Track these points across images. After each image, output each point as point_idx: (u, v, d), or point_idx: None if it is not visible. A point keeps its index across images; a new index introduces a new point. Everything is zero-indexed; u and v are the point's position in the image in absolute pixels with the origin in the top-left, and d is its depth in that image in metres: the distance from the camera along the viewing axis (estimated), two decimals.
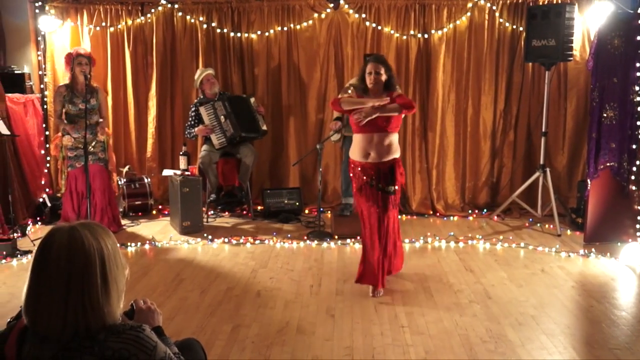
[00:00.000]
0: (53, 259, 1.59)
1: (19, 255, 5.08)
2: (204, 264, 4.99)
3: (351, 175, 4.34)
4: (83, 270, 1.59)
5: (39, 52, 6.68)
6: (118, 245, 1.74)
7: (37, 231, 5.92)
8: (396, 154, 4.24)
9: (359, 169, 4.22)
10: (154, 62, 6.72)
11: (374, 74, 4.17)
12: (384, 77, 4.19)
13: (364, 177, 4.19)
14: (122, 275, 1.69)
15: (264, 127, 6.41)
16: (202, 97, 6.40)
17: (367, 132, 4.15)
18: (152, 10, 6.66)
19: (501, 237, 5.71)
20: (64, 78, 6.31)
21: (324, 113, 6.74)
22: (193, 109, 6.34)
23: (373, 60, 4.25)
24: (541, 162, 6.12)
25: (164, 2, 6.61)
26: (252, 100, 6.39)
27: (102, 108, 5.78)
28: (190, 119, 6.36)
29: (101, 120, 5.78)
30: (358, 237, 5.64)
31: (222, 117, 6.18)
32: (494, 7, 6.47)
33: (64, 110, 5.65)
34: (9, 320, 1.78)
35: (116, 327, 1.61)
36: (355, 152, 4.25)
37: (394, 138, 4.22)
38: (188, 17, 6.67)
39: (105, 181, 5.78)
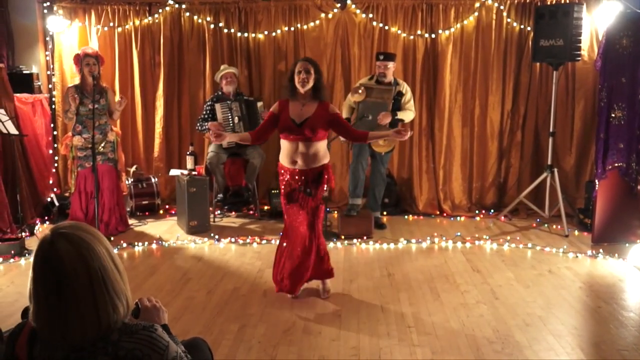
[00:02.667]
0: (69, 272, 1.54)
1: (27, 255, 5.11)
2: (211, 263, 5.00)
3: (280, 179, 4.25)
4: (101, 270, 1.58)
5: (47, 52, 6.72)
6: None
7: (45, 230, 5.94)
8: (324, 160, 4.15)
9: (288, 175, 4.16)
10: (162, 62, 6.75)
11: (303, 73, 4.02)
12: (312, 79, 4.03)
13: (292, 183, 4.13)
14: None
15: None
16: (219, 93, 6.42)
17: (292, 140, 4.09)
18: (160, 11, 6.68)
19: (508, 238, 5.70)
20: (72, 78, 6.35)
21: None
22: (209, 104, 6.37)
23: (303, 60, 4.12)
24: (549, 162, 6.10)
25: (172, 2, 6.63)
26: (260, 104, 6.42)
27: (111, 107, 5.79)
28: (204, 112, 6.38)
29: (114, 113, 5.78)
30: (365, 237, 5.67)
31: (236, 118, 6.22)
32: (502, 7, 6.45)
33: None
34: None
35: (129, 327, 1.61)
36: (283, 158, 4.19)
37: (321, 146, 4.11)
38: (195, 17, 6.68)
39: (114, 181, 5.80)
